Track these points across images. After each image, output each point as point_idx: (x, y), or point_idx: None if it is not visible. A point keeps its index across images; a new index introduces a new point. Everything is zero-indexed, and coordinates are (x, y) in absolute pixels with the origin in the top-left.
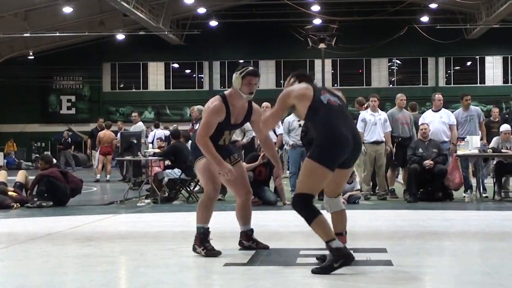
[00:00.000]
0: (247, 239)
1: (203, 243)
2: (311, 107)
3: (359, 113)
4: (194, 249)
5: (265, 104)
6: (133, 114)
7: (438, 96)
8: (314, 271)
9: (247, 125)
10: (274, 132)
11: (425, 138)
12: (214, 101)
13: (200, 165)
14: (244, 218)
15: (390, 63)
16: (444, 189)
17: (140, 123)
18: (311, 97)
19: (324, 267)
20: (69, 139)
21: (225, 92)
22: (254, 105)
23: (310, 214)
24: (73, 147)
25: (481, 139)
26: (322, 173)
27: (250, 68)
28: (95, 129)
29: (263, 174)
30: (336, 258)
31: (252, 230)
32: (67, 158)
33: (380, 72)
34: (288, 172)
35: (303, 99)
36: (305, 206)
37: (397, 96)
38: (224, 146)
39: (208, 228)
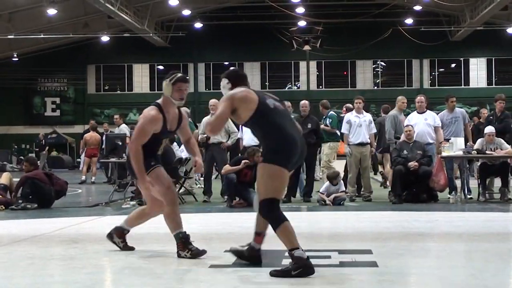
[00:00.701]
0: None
1: (186, 246)
2: (258, 111)
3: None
4: (179, 255)
5: (212, 101)
6: (115, 116)
7: (419, 98)
8: (272, 274)
9: (232, 127)
10: None
11: (410, 140)
12: (151, 110)
13: (153, 175)
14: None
15: (374, 65)
16: (429, 190)
17: (123, 125)
18: (257, 101)
19: (283, 270)
20: (43, 141)
21: (158, 101)
22: (182, 110)
23: (277, 219)
24: (47, 148)
25: (467, 141)
26: (282, 174)
27: (180, 74)
28: (87, 130)
29: (248, 175)
30: (296, 267)
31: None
32: (44, 159)
33: (365, 74)
34: None
35: (248, 102)
36: (271, 210)
37: (398, 99)
38: (158, 154)
39: (185, 232)
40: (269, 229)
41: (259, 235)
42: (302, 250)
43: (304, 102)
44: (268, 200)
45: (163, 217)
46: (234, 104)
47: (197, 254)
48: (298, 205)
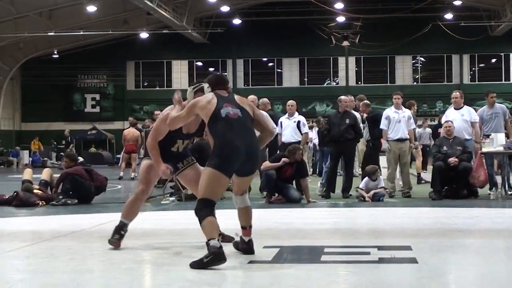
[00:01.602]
0: None
1: (117, 232)
2: (211, 119)
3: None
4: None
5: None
6: (156, 112)
7: (455, 94)
8: (191, 265)
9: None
10: (299, 130)
11: (450, 136)
12: (167, 110)
13: (142, 164)
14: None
15: (414, 61)
16: (469, 186)
17: None
18: (212, 110)
19: (197, 261)
20: (70, 137)
21: None
22: None
23: (203, 214)
24: (71, 145)
25: (507, 137)
26: (219, 178)
27: (204, 85)
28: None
29: (288, 172)
30: (207, 254)
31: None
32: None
33: (404, 69)
34: (312, 169)
35: (205, 110)
36: (201, 209)
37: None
38: (177, 152)
39: (127, 225)
40: (305, 225)
41: (245, 228)
42: (218, 240)
43: (344, 97)
44: (204, 200)
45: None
46: (195, 110)
47: (113, 242)
48: (337, 201)
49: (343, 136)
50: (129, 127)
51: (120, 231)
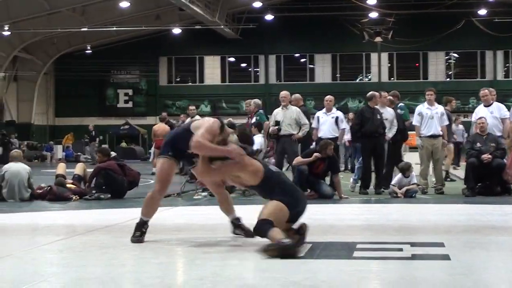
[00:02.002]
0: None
1: (139, 229)
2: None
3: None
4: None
5: (283, 93)
6: (190, 107)
7: (483, 92)
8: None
9: (303, 119)
10: (337, 126)
11: (483, 132)
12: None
13: (160, 163)
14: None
15: (447, 57)
16: (503, 183)
17: (198, 117)
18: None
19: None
20: (93, 132)
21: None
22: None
23: (267, 228)
24: (97, 139)
25: None
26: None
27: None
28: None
29: (320, 168)
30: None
31: (238, 219)
32: (91, 151)
33: (437, 65)
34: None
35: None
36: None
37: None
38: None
39: (148, 221)
40: (337, 221)
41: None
42: None
43: (377, 93)
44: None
45: (144, 199)
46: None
47: (136, 240)
48: (369, 197)
49: (377, 131)
50: (166, 122)
51: (141, 228)
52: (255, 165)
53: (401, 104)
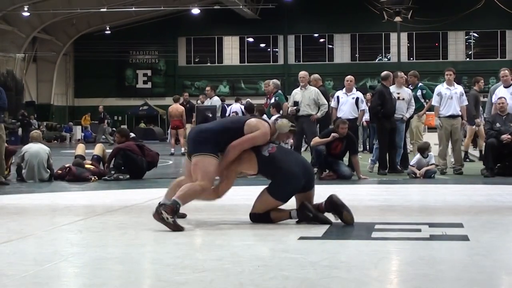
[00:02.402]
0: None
1: (174, 213)
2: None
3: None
4: (160, 213)
5: (302, 73)
6: (207, 88)
7: (503, 72)
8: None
9: (322, 99)
10: (357, 106)
11: (503, 113)
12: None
13: (210, 161)
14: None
15: (467, 36)
16: None
17: (216, 98)
18: None
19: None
20: (103, 114)
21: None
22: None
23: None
24: (106, 121)
25: None
26: None
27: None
28: (181, 103)
29: (338, 148)
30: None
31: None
32: (102, 132)
33: (456, 45)
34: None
35: None
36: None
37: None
38: None
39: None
40: (356, 202)
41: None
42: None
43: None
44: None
45: (188, 186)
46: None
47: (176, 227)
48: (388, 178)
49: (394, 112)
50: (186, 103)
51: (175, 214)
52: (247, 155)
53: (420, 84)
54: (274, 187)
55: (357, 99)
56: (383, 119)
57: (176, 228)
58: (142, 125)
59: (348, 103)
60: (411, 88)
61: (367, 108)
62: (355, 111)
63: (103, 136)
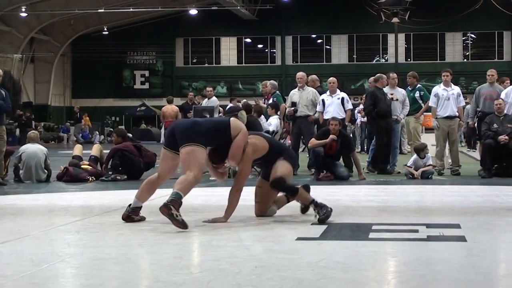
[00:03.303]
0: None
1: (179, 208)
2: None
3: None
4: (170, 209)
5: (300, 74)
6: (208, 88)
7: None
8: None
9: (319, 100)
10: (343, 107)
11: (500, 113)
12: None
13: (202, 153)
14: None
15: (464, 37)
16: None
17: (214, 98)
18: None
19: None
20: (78, 113)
21: None
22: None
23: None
24: (83, 121)
25: None
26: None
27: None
28: (185, 103)
29: (333, 148)
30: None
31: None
32: (75, 133)
33: (454, 46)
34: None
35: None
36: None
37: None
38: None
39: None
40: (353, 202)
41: None
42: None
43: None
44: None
45: (184, 178)
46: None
47: (182, 224)
48: (385, 179)
49: (389, 111)
50: (185, 105)
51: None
52: (259, 139)
53: (419, 85)
54: (288, 157)
55: (342, 99)
56: (378, 118)
57: (183, 225)
58: (143, 126)
59: (334, 104)
60: (410, 89)
61: (361, 108)
62: (342, 111)
63: (75, 138)
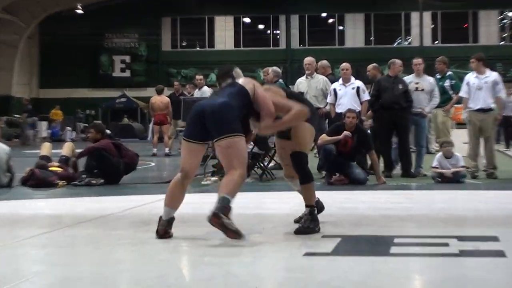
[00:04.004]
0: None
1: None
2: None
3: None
4: (220, 218)
5: (308, 59)
6: (197, 77)
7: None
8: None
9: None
10: (359, 98)
11: None
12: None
13: (243, 143)
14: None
15: (501, 16)
16: None
17: (206, 88)
18: None
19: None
20: (30, 105)
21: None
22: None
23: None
24: (25, 115)
25: None
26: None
27: None
28: (172, 94)
29: (348, 145)
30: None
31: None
32: (27, 127)
33: (489, 27)
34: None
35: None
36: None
37: None
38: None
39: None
40: (371, 210)
41: None
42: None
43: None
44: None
45: (231, 179)
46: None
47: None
48: (408, 183)
49: (397, 103)
50: (173, 95)
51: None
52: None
53: (449, 72)
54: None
55: (357, 88)
56: (381, 110)
57: (239, 235)
58: (125, 120)
59: (348, 95)
60: (439, 77)
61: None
62: (357, 103)
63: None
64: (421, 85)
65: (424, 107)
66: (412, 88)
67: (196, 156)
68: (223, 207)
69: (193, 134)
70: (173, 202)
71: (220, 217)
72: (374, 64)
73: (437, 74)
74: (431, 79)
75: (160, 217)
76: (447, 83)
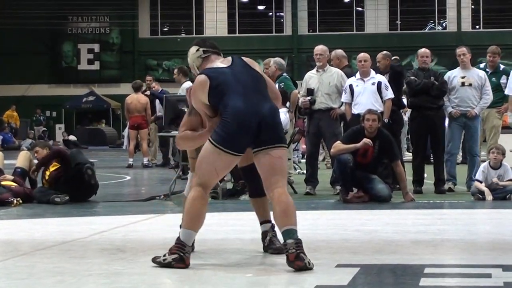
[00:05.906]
0: None
1: None
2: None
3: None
4: (303, 259)
5: (319, 48)
6: (175, 71)
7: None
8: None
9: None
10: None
11: None
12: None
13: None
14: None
15: None
16: None
17: (188, 83)
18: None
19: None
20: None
21: None
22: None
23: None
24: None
25: None
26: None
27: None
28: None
29: (369, 155)
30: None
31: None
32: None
33: None
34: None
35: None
36: None
37: None
38: None
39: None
40: (397, 234)
41: None
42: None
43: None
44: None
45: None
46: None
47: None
48: (442, 200)
49: (434, 102)
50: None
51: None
52: None
53: (503, 67)
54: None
55: (379, 84)
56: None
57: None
58: (98, 124)
59: (367, 92)
60: (488, 71)
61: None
62: (378, 103)
63: None
64: (468, 79)
65: (474, 107)
66: (458, 83)
67: (228, 169)
68: (300, 243)
69: (243, 146)
70: (200, 224)
71: (303, 259)
72: (385, 52)
73: (481, 65)
74: (480, 73)
75: (182, 243)
76: (503, 80)
